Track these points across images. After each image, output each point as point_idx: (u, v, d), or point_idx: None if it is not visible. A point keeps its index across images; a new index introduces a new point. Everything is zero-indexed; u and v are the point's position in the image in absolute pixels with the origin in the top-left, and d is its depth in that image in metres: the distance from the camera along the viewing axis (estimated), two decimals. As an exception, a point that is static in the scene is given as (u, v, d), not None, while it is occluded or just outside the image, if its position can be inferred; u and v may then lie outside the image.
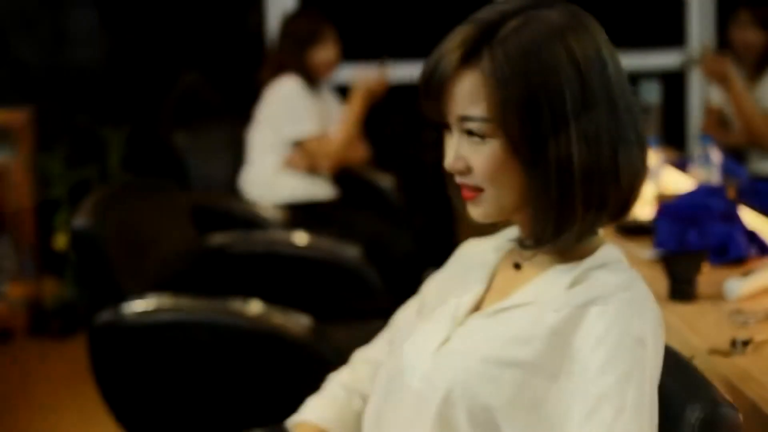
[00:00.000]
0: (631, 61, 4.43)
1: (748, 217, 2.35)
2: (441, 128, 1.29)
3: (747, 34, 3.82)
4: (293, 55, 3.87)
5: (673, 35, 4.77)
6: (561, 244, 1.25)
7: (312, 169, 3.85)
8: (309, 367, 2.47)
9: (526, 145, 1.21)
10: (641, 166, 1.27)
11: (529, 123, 1.20)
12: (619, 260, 1.29)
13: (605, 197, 1.24)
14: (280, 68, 3.89)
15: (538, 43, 1.21)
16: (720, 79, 3.72)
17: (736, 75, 3.72)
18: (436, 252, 4.90)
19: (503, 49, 1.21)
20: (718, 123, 3.93)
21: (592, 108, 1.22)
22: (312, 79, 3.91)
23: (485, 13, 1.25)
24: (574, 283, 1.25)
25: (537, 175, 1.22)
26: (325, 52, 3.91)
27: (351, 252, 3.08)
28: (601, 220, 1.26)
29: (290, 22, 3.96)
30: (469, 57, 1.23)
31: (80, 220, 2.51)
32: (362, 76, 3.95)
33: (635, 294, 1.23)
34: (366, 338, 2.90)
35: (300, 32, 3.89)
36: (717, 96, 3.97)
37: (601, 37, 1.27)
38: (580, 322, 1.21)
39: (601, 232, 1.31)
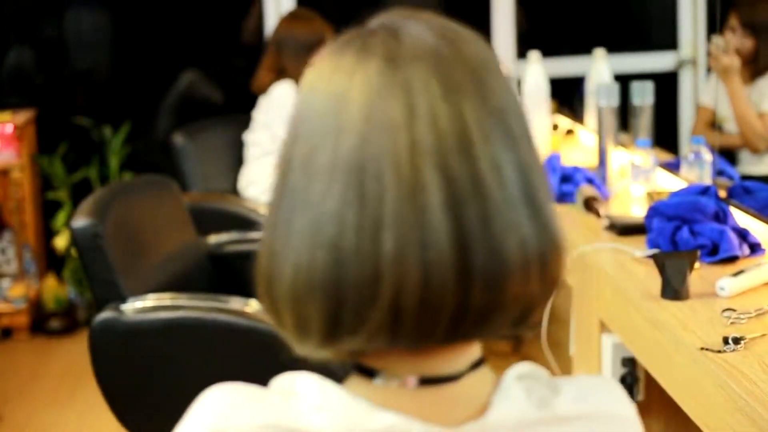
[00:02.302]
0: (625, 62, 4.45)
1: (740, 216, 2.37)
2: None
3: (736, 40, 3.84)
4: (296, 62, 3.83)
5: (666, 38, 4.80)
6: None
7: None
8: (306, 366, 2.50)
9: None
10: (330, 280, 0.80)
11: None
12: (281, 391, 0.90)
13: (274, 300, 0.85)
14: (280, 74, 3.87)
15: None
16: (723, 72, 3.74)
17: (737, 71, 3.74)
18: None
19: None
20: (708, 124, 3.95)
21: (292, 173, 0.83)
22: None
23: None
24: None
25: None
26: None
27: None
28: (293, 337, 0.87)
29: (289, 25, 3.93)
30: None
31: (81, 220, 2.53)
32: None
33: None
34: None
35: (302, 37, 3.85)
36: (708, 97, 4.00)
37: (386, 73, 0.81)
38: None
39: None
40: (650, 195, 2.65)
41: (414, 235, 0.79)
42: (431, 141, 0.79)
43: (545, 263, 0.83)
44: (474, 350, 0.87)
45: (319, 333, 0.83)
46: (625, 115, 3.09)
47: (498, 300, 0.81)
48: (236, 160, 4.02)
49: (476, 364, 0.87)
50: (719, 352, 1.68)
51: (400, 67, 0.81)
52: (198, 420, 0.86)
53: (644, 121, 3.01)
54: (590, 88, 3.56)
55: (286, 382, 0.89)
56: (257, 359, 2.51)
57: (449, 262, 0.79)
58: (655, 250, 2.16)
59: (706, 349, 1.69)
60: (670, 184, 2.80)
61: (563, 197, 2.75)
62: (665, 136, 4.39)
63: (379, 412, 0.83)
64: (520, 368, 0.88)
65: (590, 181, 2.78)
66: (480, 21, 4.76)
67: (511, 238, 0.81)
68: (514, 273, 0.81)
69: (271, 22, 4.61)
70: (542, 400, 0.86)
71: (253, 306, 2.52)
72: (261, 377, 2.77)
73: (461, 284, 0.80)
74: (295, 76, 3.85)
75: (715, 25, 4.02)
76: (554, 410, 0.86)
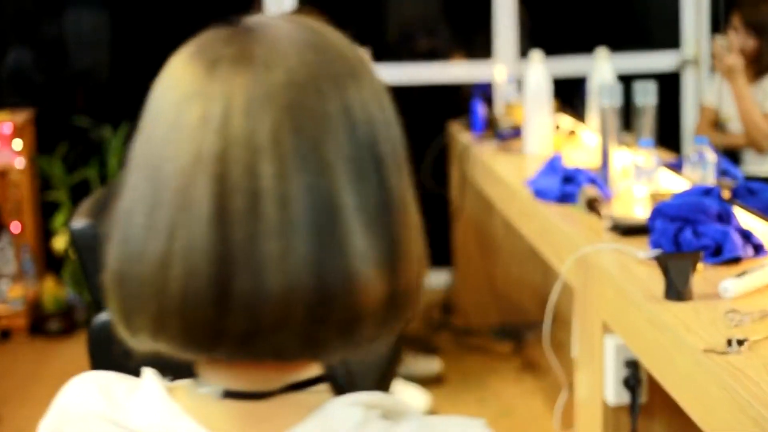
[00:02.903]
0: (627, 62, 4.44)
1: (743, 217, 2.36)
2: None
3: (739, 39, 3.83)
4: None
5: (669, 37, 4.79)
6: None
7: None
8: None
9: None
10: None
11: None
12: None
13: None
14: None
15: None
16: (727, 71, 3.73)
17: (742, 71, 3.73)
18: (433, 252, 4.91)
19: None
20: (712, 124, 3.95)
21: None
22: None
23: None
24: None
25: None
26: None
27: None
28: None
29: None
30: None
31: (80, 221, 2.52)
32: None
33: None
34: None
35: None
36: (712, 97, 3.99)
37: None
38: None
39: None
40: (653, 195, 2.64)
41: (180, 244, 0.77)
42: (215, 152, 0.76)
43: (326, 296, 0.77)
44: (303, 371, 0.83)
45: (120, 325, 0.84)
46: (627, 115, 3.08)
47: (256, 326, 0.77)
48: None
49: (301, 385, 0.83)
50: (723, 353, 1.67)
51: (215, 72, 0.79)
52: (53, 406, 0.90)
53: (647, 121, 2.99)
54: (592, 87, 3.55)
55: (146, 375, 0.90)
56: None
57: (208, 278, 0.76)
58: (658, 251, 2.15)
59: (710, 351, 1.68)
60: (673, 184, 2.80)
61: (565, 198, 2.74)
62: (668, 136, 4.39)
63: (181, 418, 0.83)
64: (367, 397, 0.83)
65: (593, 181, 2.77)
66: (482, 20, 4.75)
67: (280, 264, 0.76)
68: (276, 301, 0.76)
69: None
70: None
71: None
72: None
73: (218, 303, 0.77)
74: None
75: (718, 25, 4.01)
76: None
